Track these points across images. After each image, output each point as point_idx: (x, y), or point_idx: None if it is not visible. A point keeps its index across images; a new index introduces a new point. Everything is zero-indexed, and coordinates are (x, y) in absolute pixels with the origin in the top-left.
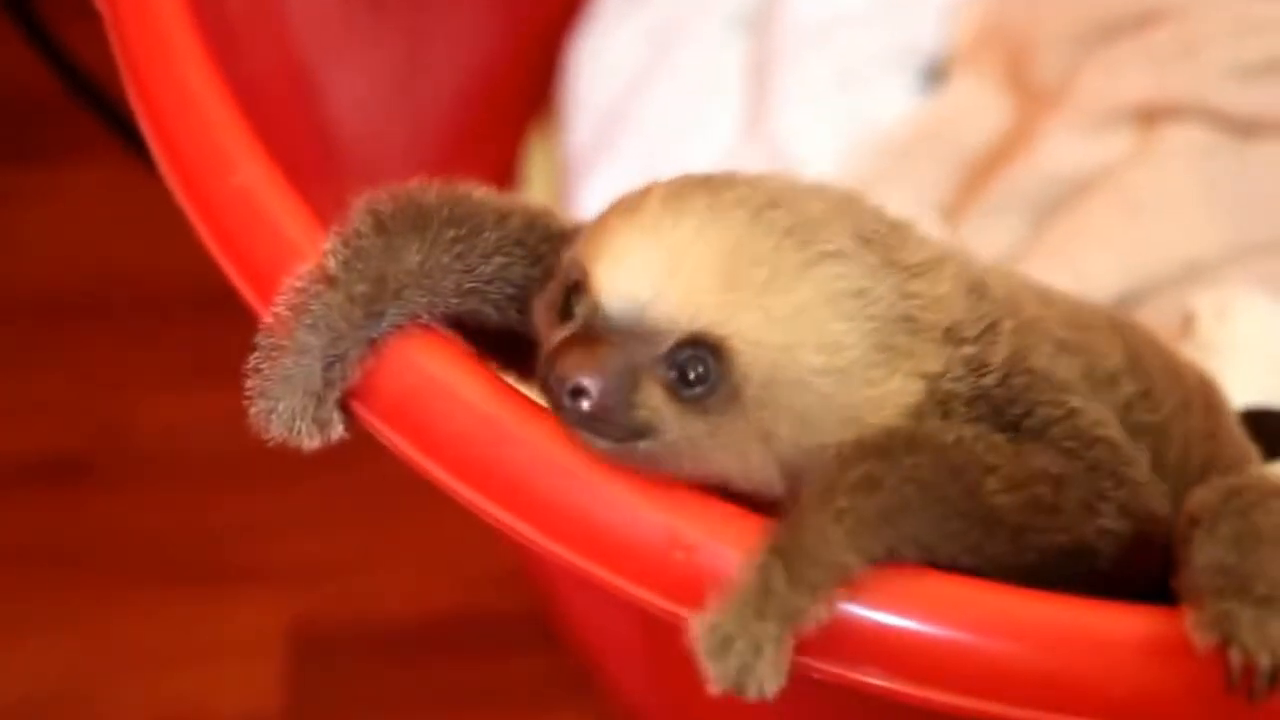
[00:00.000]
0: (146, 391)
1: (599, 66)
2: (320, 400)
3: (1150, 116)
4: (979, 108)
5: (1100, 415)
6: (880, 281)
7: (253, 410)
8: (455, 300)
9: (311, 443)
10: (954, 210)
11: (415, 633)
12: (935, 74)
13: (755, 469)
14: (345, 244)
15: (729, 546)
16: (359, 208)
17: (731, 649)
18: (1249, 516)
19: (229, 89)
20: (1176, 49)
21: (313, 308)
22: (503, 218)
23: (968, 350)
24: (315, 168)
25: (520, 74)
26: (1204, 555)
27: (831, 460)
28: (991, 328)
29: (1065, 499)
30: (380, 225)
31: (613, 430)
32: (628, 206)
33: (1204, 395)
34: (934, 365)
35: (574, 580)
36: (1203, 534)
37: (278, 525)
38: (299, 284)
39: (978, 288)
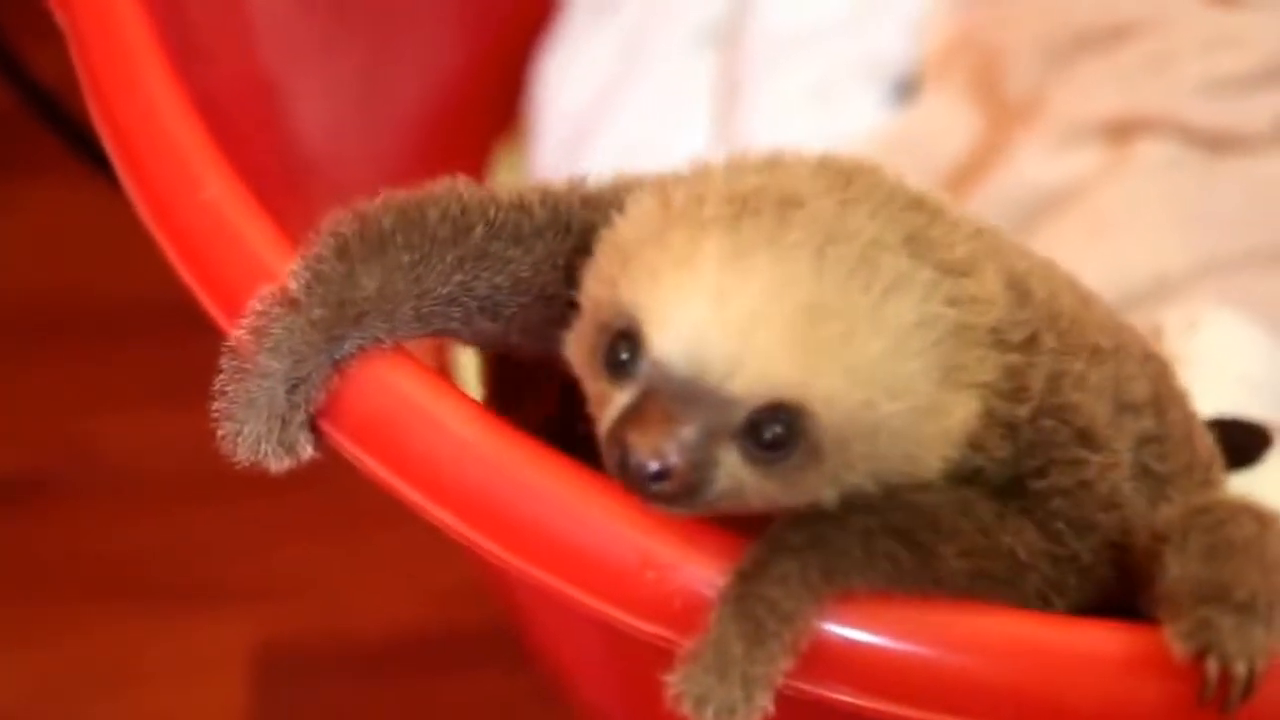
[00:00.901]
0: (110, 410)
1: (567, 79)
2: (285, 423)
3: (1120, 132)
4: (949, 122)
5: (1114, 476)
6: (937, 296)
7: (219, 433)
8: (415, 325)
9: (279, 464)
10: None
11: (383, 649)
12: (906, 87)
13: (819, 501)
14: (308, 267)
15: (702, 566)
16: (325, 227)
17: (709, 705)
18: (1220, 531)
19: (193, 105)
20: (1146, 64)
21: (274, 331)
22: (463, 231)
23: (1012, 358)
24: (282, 183)
25: (487, 87)
26: (1177, 568)
27: (786, 517)
28: (1033, 340)
29: (1024, 582)
30: (342, 250)
31: (691, 502)
32: (679, 255)
33: (1208, 467)
34: (986, 374)
35: (545, 598)
36: (1173, 549)
37: (242, 542)
38: (261, 306)
39: (1018, 284)
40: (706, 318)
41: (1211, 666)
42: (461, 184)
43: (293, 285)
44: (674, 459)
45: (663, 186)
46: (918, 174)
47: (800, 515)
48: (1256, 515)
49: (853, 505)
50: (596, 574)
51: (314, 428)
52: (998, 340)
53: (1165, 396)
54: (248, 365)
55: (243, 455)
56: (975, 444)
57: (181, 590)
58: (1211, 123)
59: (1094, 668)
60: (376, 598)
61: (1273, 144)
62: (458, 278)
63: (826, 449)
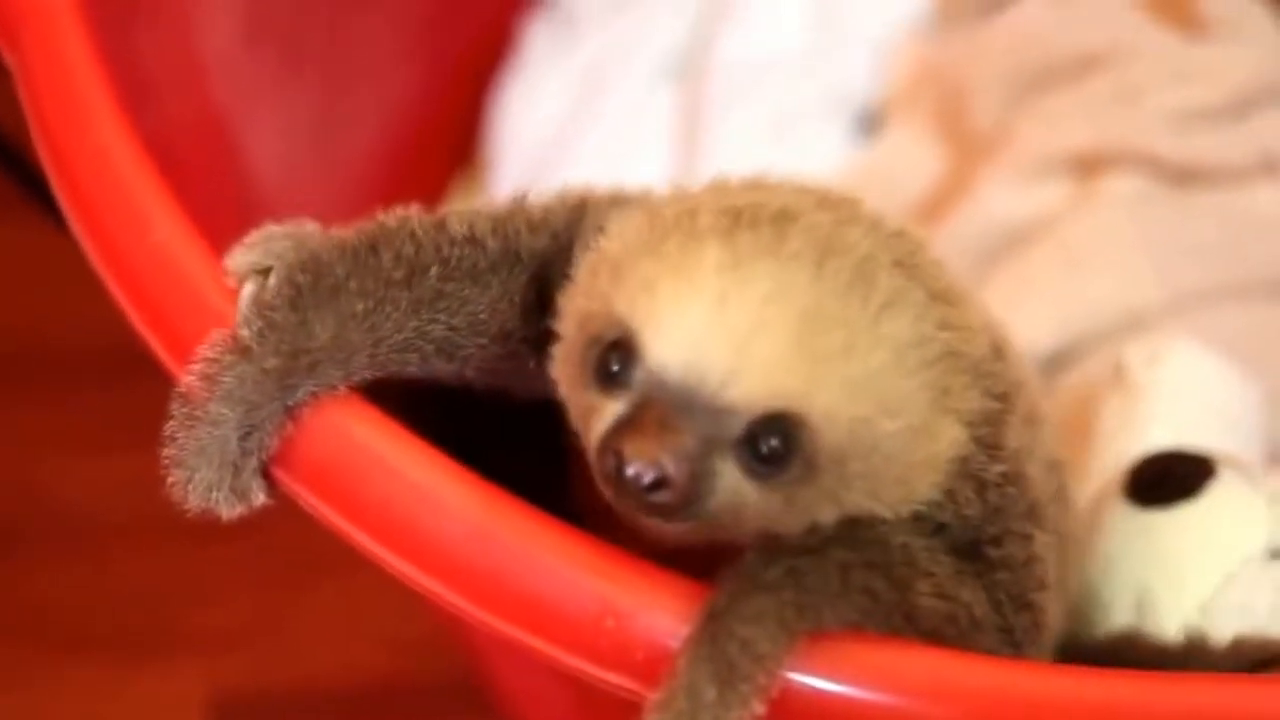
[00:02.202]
0: (60, 455)
1: (526, 115)
2: (238, 469)
3: (1088, 166)
4: (915, 157)
5: (1051, 558)
6: (930, 318)
7: (170, 480)
8: (370, 370)
9: (231, 512)
10: None
11: (342, 699)
12: (870, 121)
13: (813, 523)
14: (260, 314)
15: (664, 614)
16: (278, 273)
17: None
18: None
19: (143, 145)
20: (1115, 97)
21: (226, 379)
22: (418, 273)
23: (991, 404)
24: (235, 222)
25: (445, 121)
26: None
27: (757, 552)
28: (1008, 397)
29: (975, 642)
30: (295, 298)
31: (688, 515)
32: (677, 263)
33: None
34: (970, 404)
35: (506, 648)
36: None
37: (197, 589)
38: (212, 353)
39: (993, 335)
40: (705, 325)
41: None
42: (415, 219)
43: (244, 332)
44: (671, 469)
45: (649, 204)
46: (884, 208)
47: (773, 549)
48: None
49: (828, 539)
50: (555, 623)
51: (267, 473)
52: (980, 376)
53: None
54: (199, 412)
55: (194, 502)
56: (948, 495)
57: (135, 639)
58: (1181, 156)
59: (1062, 715)
60: (334, 646)
61: (1243, 177)
62: (413, 323)
63: (823, 464)
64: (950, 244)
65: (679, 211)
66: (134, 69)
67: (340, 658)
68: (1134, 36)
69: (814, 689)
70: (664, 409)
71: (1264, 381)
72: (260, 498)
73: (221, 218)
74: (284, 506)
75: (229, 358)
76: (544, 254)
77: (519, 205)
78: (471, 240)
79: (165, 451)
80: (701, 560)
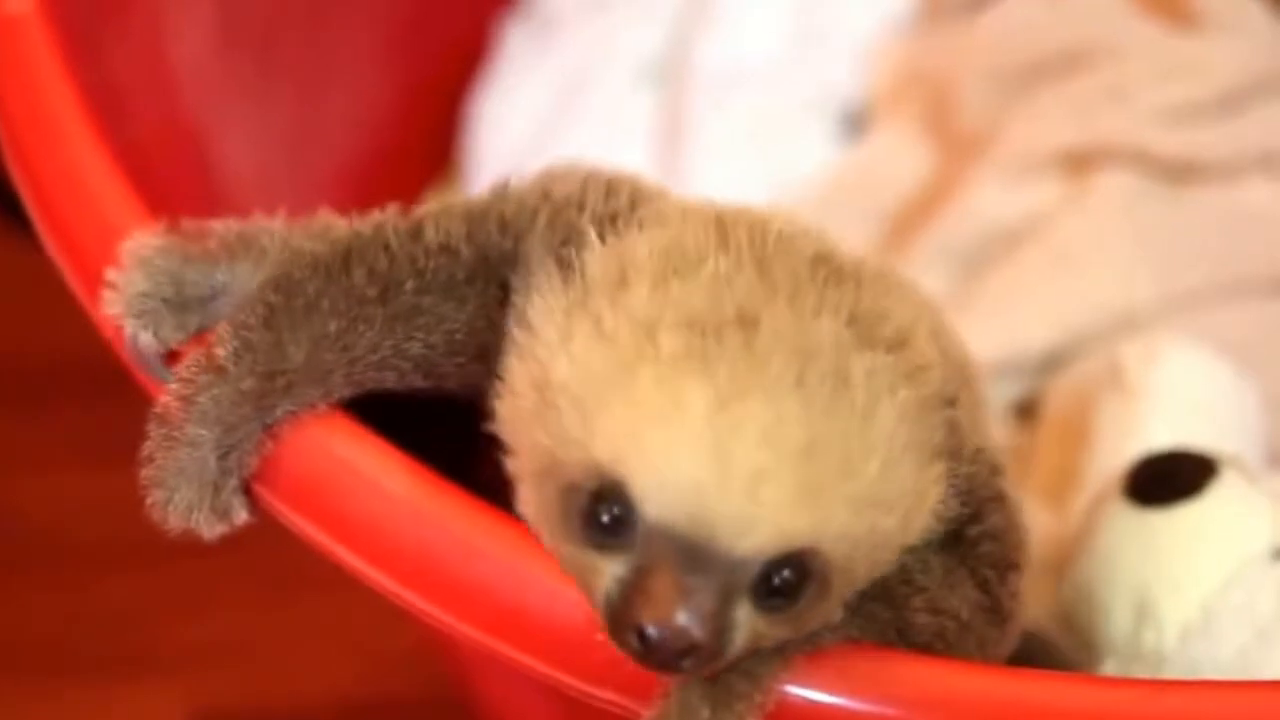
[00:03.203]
0: (28, 474)
1: (503, 120)
2: (218, 489)
3: (1079, 163)
4: (901, 157)
5: (1020, 502)
6: (898, 382)
7: (149, 500)
8: (347, 389)
9: (213, 531)
10: (881, 262)
11: (321, 714)
12: (855, 122)
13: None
14: (235, 334)
15: None
16: (252, 294)
17: None
18: None
19: (115, 158)
20: (1104, 92)
21: (202, 400)
22: (393, 287)
23: (949, 413)
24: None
25: (420, 130)
26: None
27: None
28: (958, 390)
29: (963, 645)
30: (269, 319)
31: (711, 663)
32: (659, 410)
33: None
34: (939, 436)
35: (492, 664)
36: None
37: (173, 608)
38: (188, 373)
39: (936, 334)
40: (709, 479)
41: None
42: (390, 227)
43: (220, 352)
44: (697, 633)
45: (583, 302)
46: (870, 210)
47: None
48: None
49: None
50: (543, 637)
51: (248, 491)
52: (944, 401)
53: None
54: (176, 433)
55: (174, 523)
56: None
57: (110, 659)
58: (1173, 152)
59: None
60: (314, 664)
61: (1238, 173)
62: (389, 342)
63: (834, 580)
64: (940, 245)
65: (630, 329)
66: (104, 80)
67: (322, 673)
68: (1124, 31)
69: (810, 701)
70: (675, 570)
71: (1261, 380)
72: (242, 515)
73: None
74: (263, 523)
75: (205, 378)
76: (510, 258)
77: (496, 199)
78: (446, 249)
79: (144, 472)
80: None
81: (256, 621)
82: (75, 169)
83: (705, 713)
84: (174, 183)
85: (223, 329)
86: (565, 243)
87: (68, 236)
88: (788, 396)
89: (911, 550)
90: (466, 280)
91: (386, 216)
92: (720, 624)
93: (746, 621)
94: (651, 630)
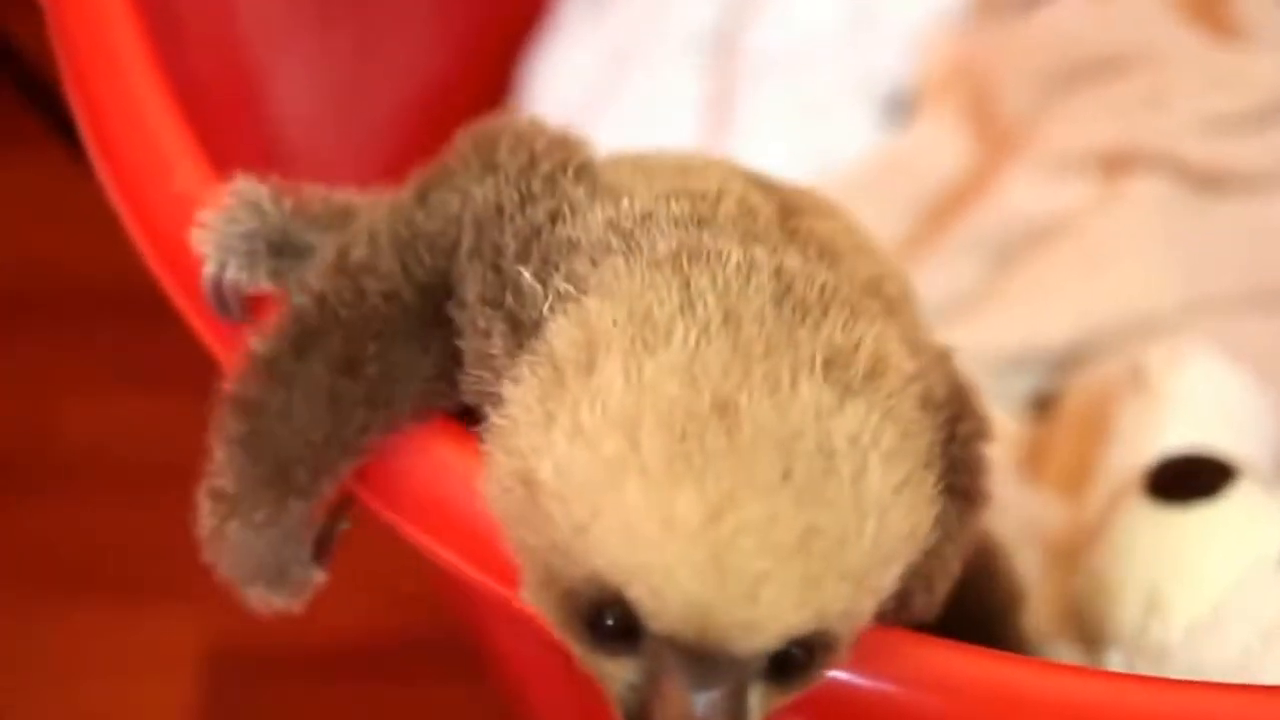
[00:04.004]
0: (71, 395)
1: (554, 85)
2: (284, 575)
3: (1114, 165)
4: (942, 146)
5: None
6: (880, 428)
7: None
8: (374, 441)
9: (297, 603)
10: (915, 250)
11: (337, 653)
12: (901, 109)
13: None
14: (225, 448)
15: None
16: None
17: None
18: None
19: (172, 92)
20: (1144, 98)
21: (231, 538)
22: (359, 363)
23: (919, 387)
24: (259, 171)
25: (472, 87)
26: None
27: None
28: (924, 369)
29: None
30: (247, 437)
31: None
32: (651, 521)
33: None
34: (929, 439)
35: (502, 614)
36: None
37: (195, 540)
38: (207, 511)
39: (875, 288)
40: (710, 590)
41: None
42: (332, 293)
43: (218, 483)
44: None
45: (557, 387)
46: (909, 196)
47: None
48: None
49: None
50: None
51: (321, 552)
52: (926, 404)
53: None
54: (225, 569)
55: (258, 608)
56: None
57: (134, 586)
58: (1209, 161)
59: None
60: (332, 600)
61: (1269, 186)
62: (378, 415)
63: (845, 638)
64: (973, 235)
65: (613, 430)
66: (166, 12)
67: (339, 613)
68: (1167, 39)
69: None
70: (683, 674)
71: (1277, 391)
72: (319, 577)
73: (245, 165)
74: None
75: (220, 513)
76: (446, 282)
77: (416, 207)
78: (391, 297)
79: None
80: None
81: None
82: (132, 100)
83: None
84: (230, 121)
85: (218, 449)
86: (496, 268)
87: (120, 166)
88: (777, 494)
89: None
90: (420, 324)
91: (323, 281)
92: (735, 714)
93: (760, 700)
94: None
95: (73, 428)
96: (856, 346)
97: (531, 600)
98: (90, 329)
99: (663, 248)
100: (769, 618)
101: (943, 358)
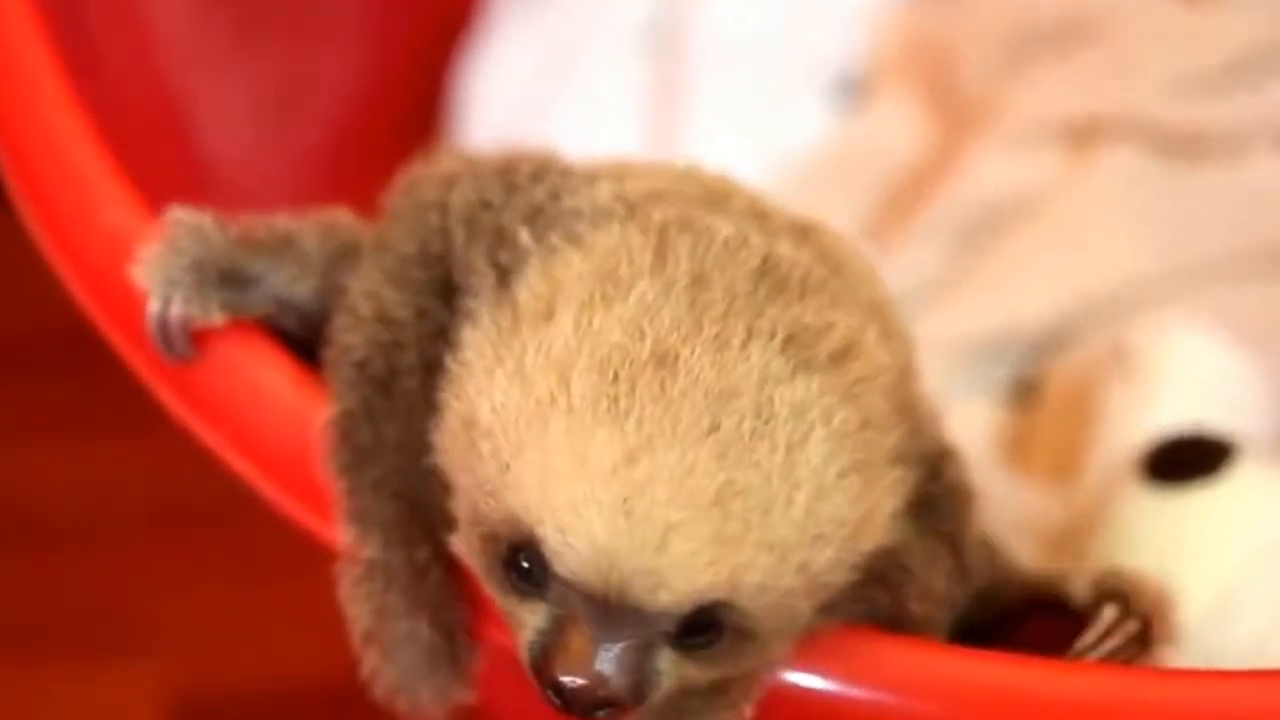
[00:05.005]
0: (5, 445)
1: (490, 90)
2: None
3: (1082, 135)
4: (901, 127)
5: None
6: (837, 406)
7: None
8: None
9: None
10: (879, 235)
11: (303, 695)
12: (856, 92)
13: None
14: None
15: None
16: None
17: None
18: None
19: (94, 124)
20: (1109, 64)
21: (392, 609)
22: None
23: (903, 394)
24: (185, 201)
25: (405, 98)
26: None
27: None
28: (907, 367)
29: (941, 619)
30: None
31: (633, 713)
32: (568, 461)
33: None
34: (895, 437)
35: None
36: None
37: (152, 583)
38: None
39: (882, 318)
40: (616, 535)
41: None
42: (365, 388)
43: (364, 554)
44: (614, 683)
45: (511, 335)
46: (870, 181)
47: None
48: None
49: None
50: None
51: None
52: (896, 405)
53: None
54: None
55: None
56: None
57: (88, 644)
58: (1179, 125)
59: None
60: (295, 642)
61: (1244, 148)
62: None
63: (765, 622)
64: (939, 217)
65: (545, 369)
66: (82, 42)
67: (304, 653)
68: (1126, 2)
69: (804, 688)
70: (589, 624)
71: (1269, 360)
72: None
73: (172, 196)
74: (242, 497)
75: (380, 594)
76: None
77: (406, 238)
78: (389, 322)
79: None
80: None
81: (237, 599)
82: (54, 136)
83: (698, 701)
84: (157, 149)
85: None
86: (499, 235)
87: (46, 205)
88: (698, 445)
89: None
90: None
91: (359, 375)
92: (638, 676)
93: (670, 668)
94: (567, 683)
95: (10, 480)
96: (827, 329)
97: (462, 546)
98: (16, 378)
99: (657, 216)
100: (677, 571)
101: (935, 418)
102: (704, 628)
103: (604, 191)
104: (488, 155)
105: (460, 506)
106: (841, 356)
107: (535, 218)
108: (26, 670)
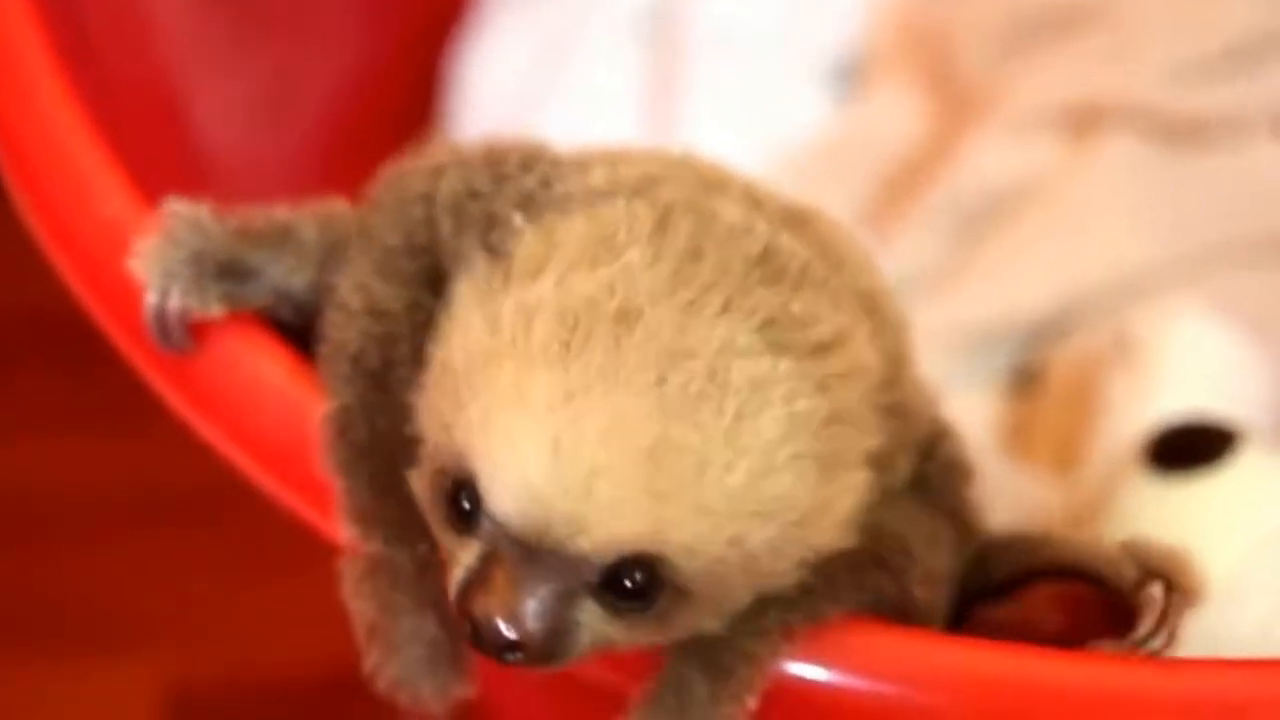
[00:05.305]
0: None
1: (485, 79)
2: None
3: (1083, 122)
4: (900, 115)
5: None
6: (805, 389)
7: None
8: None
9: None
10: (878, 223)
11: (299, 690)
12: (854, 79)
13: (716, 626)
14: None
15: None
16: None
17: None
18: None
19: (90, 115)
20: (1109, 49)
21: (397, 608)
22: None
23: (891, 397)
24: (182, 192)
25: (401, 89)
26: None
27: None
28: (899, 359)
29: (941, 604)
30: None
31: (552, 665)
32: (509, 397)
33: None
34: (873, 440)
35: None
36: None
37: (150, 578)
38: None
39: (870, 306)
40: (543, 473)
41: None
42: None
43: (368, 550)
44: (529, 626)
45: (500, 288)
46: (868, 170)
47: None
48: None
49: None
50: None
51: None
52: (876, 407)
53: None
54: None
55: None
56: (884, 464)
57: (83, 629)
58: (1180, 111)
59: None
60: (295, 635)
61: (1245, 134)
62: None
63: (696, 590)
64: (938, 205)
65: (515, 313)
66: (79, 34)
67: (304, 652)
68: None
69: (808, 680)
70: (513, 564)
71: (1270, 347)
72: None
73: (169, 187)
74: (232, 490)
75: (385, 590)
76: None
77: (390, 233)
78: (385, 315)
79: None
80: None
81: (232, 594)
82: (51, 128)
83: (702, 689)
84: (153, 140)
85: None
86: (490, 220)
87: (43, 196)
88: (640, 395)
89: (892, 505)
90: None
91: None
92: (554, 624)
93: (591, 623)
94: (483, 620)
95: (3, 473)
96: (813, 320)
97: (418, 486)
98: (13, 370)
99: (665, 195)
100: (600, 517)
101: (931, 401)
102: (631, 588)
103: (598, 177)
104: (475, 146)
105: (424, 450)
106: (822, 349)
107: (527, 204)
108: (21, 666)
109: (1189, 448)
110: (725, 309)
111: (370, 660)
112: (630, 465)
